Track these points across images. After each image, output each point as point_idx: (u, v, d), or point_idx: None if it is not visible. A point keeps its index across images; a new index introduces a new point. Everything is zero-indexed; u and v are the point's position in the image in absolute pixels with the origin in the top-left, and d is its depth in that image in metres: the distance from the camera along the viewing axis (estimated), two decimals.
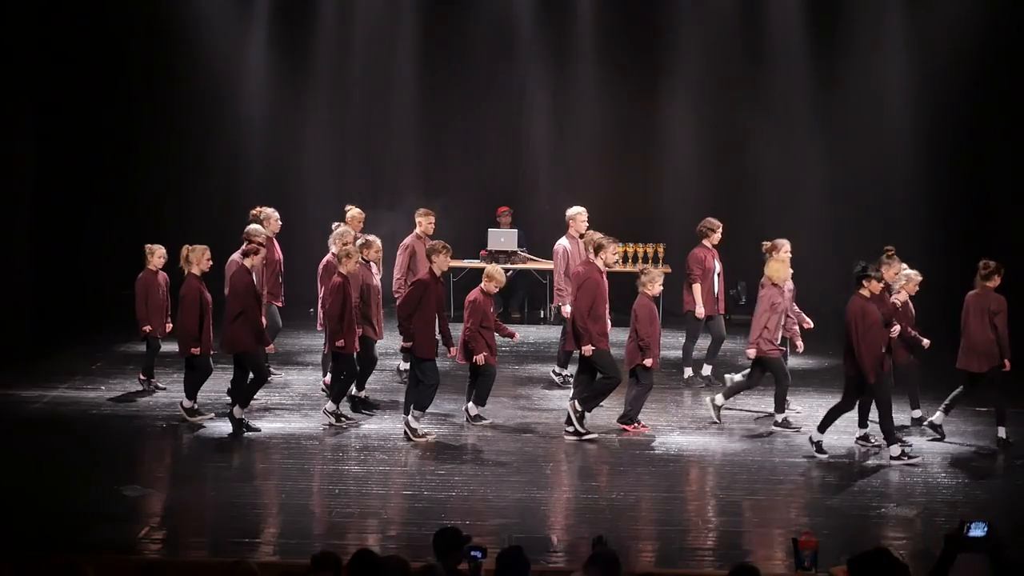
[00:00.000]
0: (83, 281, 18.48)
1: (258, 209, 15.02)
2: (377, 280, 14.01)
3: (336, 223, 14.66)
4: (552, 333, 18.21)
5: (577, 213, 15.41)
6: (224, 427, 13.18)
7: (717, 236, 15.52)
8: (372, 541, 9.99)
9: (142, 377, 14.57)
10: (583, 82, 19.73)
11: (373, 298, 13.82)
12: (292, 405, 14.15)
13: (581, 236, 14.71)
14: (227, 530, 10.48)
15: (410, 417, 12.81)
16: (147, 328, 14.32)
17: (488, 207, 19.45)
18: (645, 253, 18.96)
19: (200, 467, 12.12)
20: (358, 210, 15.56)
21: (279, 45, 19.56)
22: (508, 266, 19.01)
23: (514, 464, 12.31)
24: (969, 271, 13.24)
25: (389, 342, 15.17)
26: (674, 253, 19.22)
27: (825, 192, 19.32)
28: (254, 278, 13.39)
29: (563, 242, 15.31)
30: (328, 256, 14.29)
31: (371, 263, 13.94)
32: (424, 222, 15.38)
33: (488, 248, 19.03)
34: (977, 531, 6.80)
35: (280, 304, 14.98)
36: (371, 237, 14.17)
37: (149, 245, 14.55)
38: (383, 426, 13.37)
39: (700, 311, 15.20)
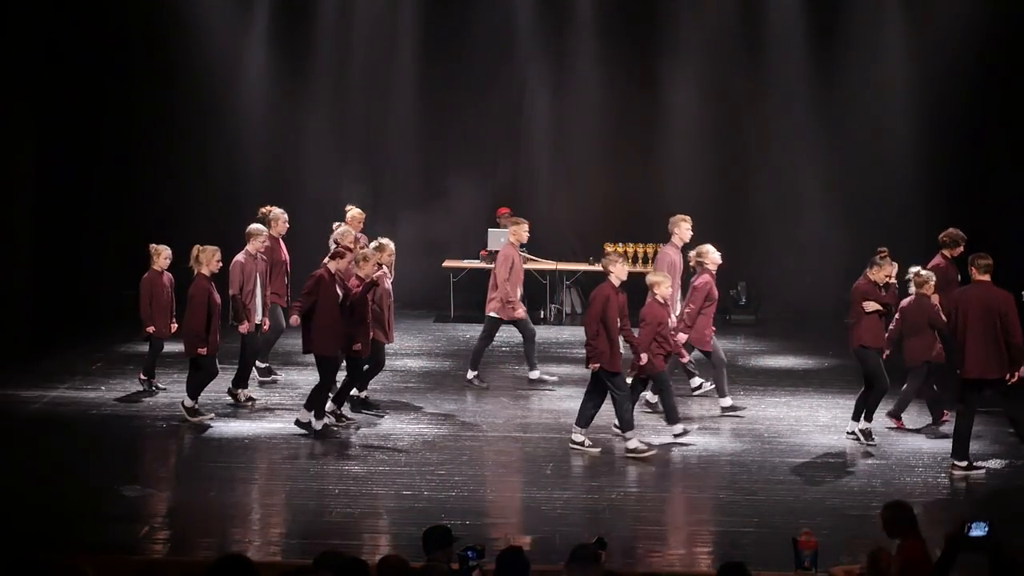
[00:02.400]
0: (83, 281, 18.47)
1: (267, 208, 14.99)
2: (389, 283, 13.96)
3: (336, 223, 14.66)
4: (552, 333, 18.21)
5: (681, 220, 14.74)
6: (224, 427, 13.18)
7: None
8: (372, 541, 9.99)
9: (142, 377, 14.56)
10: (583, 82, 19.71)
11: (385, 301, 13.77)
12: (292, 405, 14.13)
13: (685, 245, 14.31)
14: (227, 530, 10.48)
15: (627, 443, 12.50)
16: (150, 328, 14.30)
17: (488, 207, 19.43)
18: (645, 253, 18.96)
19: (200, 467, 12.12)
20: (358, 210, 15.56)
21: (279, 45, 19.54)
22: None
23: (514, 464, 12.31)
24: (968, 270, 13.23)
25: (399, 344, 15.18)
26: None
27: (825, 192, 19.31)
28: (337, 282, 13.19)
29: (667, 251, 14.71)
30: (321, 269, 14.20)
31: (383, 266, 13.86)
32: (518, 230, 15.05)
33: (488, 248, 19.02)
34: (978, 531, 6.80)
35: (285, 304, 14.94)
36: (384, 240, 14.12)
37: (155, 245, 14.52)
38: (383, 426, 13.37)
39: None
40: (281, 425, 13.34)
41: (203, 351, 13.35)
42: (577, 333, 18.56)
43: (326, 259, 13.33)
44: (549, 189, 19.94)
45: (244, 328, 13.84)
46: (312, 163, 19.82)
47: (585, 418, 12.67)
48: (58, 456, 12.27)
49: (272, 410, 13.94)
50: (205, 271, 13.49)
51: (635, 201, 19.80)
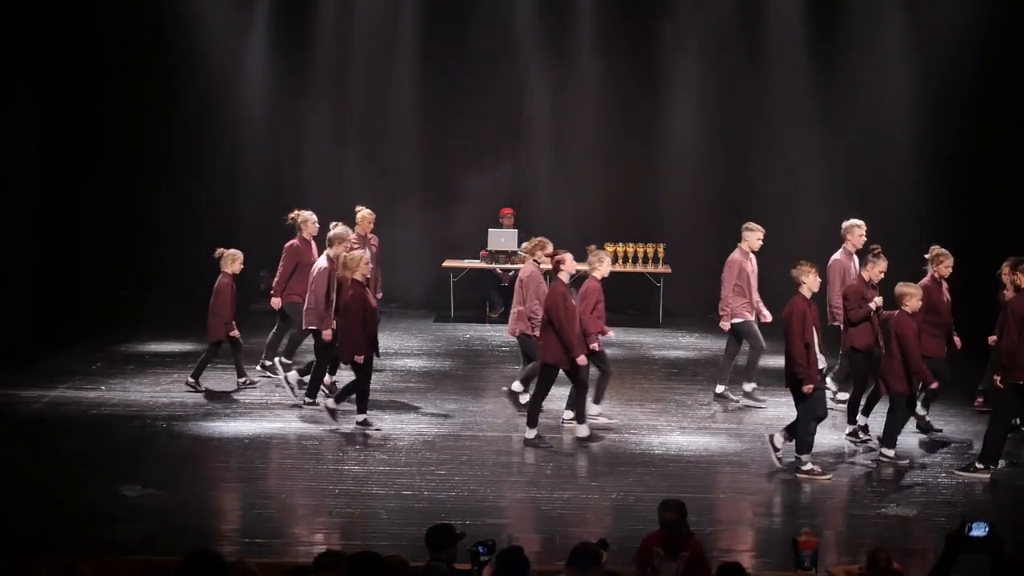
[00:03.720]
0: (82, 281, 18.46)
1: (295, 213, 14.96)
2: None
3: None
4: None
5: (854, 226, 14.30)
6: (224, 427, 13.18)
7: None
8: (372, 541, 9.98)
9: (190, 380, 14.58)
10: (583, 82, 19.71)
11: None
12: (292, 405, 14.13)
13: (858, 251, 14.02)
14: (227, 530, 10.48)
15: (802, 465, 12.02)
16: (234, 333, 14.47)
17: (488, 207, 19.44)
18: (645, 253, 18.97)
19: (200, 467, 12.12)
20: (368, 211, 15.56)
21: (279, 45, 19.55)
22: (509, 266, 19.03)
23: (514, 464, 12.31)
24: (969, 270, 13.24)
25: (400, 344, 15.17)
26: (674, 253, 19.24)
27: (825, 191, 19.30)
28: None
29: (837, 256, 14.28)
30: (322, 262, 14.21)
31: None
32: (752, 238, 14.52)
33: (488, 248, 19.03)
34: (978, 531, 6.79)
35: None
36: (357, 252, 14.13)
37: (228, 250, 14.63)
38: (383, 426, 13.35)
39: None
40: (281, 425, 13.35)
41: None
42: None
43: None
44: (549, 189, 19.94)
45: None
46: (312, 163, 19.82)
47: (806, 444, 12.01)
48: (58, 456, 12.26)
49: (271, 409, 13.93)
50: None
51: (635, 201, 19.81)
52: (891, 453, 12.31)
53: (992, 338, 13.30)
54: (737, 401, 14.33)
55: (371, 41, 19.67)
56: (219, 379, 14.89)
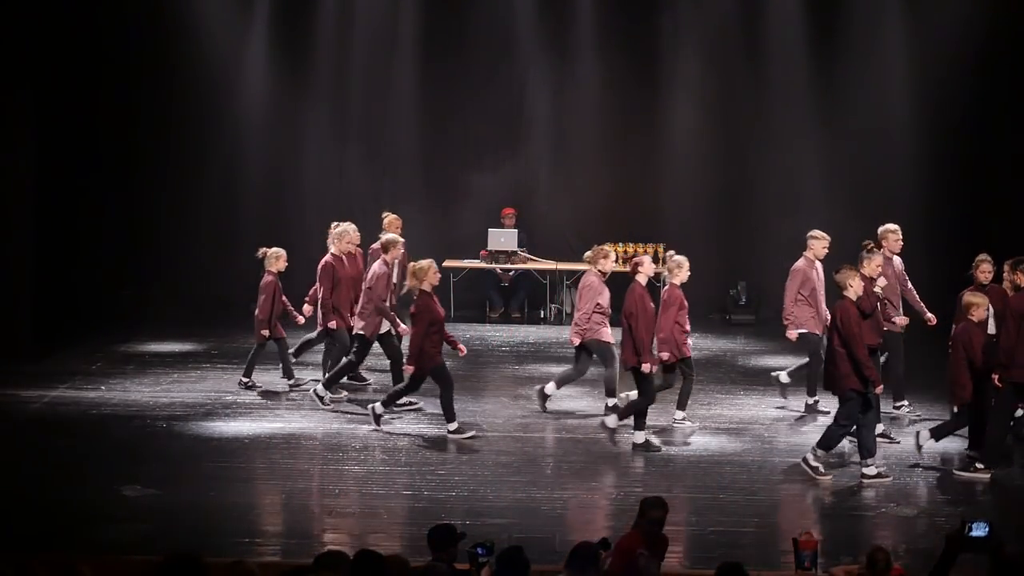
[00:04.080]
0: (82, 281, 18.46)
1: (335, 225, 14.66)
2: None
3: (335, 222, 14.65)
4: (552, 333, 18.19)
5: (889, 231, 13.97)
6: (224, 427, 13.18)
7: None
8: (372, 541, 9.98)
9: (244, 379, 14.59)
10: (583, 82, 19.70)
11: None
12: (292, 405, 14.14)
13: (896, 255, 13.82)
14: (227, 530, 10.48)
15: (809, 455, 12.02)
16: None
17: (488, 207, 19.43)
18: (645, 253, 18.94)
19: (200, 467, 12.11)
20: (394, 216, 15.45)
21: (279, 45, 19.53)
22: (509, 266, 19.04)
23: (514, 464, 12.31)
24: (968, 270, 13.21)
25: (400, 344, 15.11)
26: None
27: (825, 191, 19.30)
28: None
29: (800, 265, 14.10)
30: (327, 256, 14.28)
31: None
32: (817, 246, 14.09)
33: (488, 248, 19.03)
34: (979, 531, 6.80)
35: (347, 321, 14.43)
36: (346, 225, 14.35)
37: (272, 249, 14.60)
38: (383, 426, 13.35)
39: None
40: (281, 425, 13.34)
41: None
42: None
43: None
44: (549, 189, 19.93)
45: (403, 330, 13.86)
46: (312, 163, 19.82)
47: (868, 449, 11.93)
48: (58, 456, 12.26)
49: (271, 409, 13.93)
50: (273, 269, 14.48)
51: (635, 201, 19.80)
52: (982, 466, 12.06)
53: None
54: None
55: (371, 41, 19.66)
56: (219, 379, 14.89)
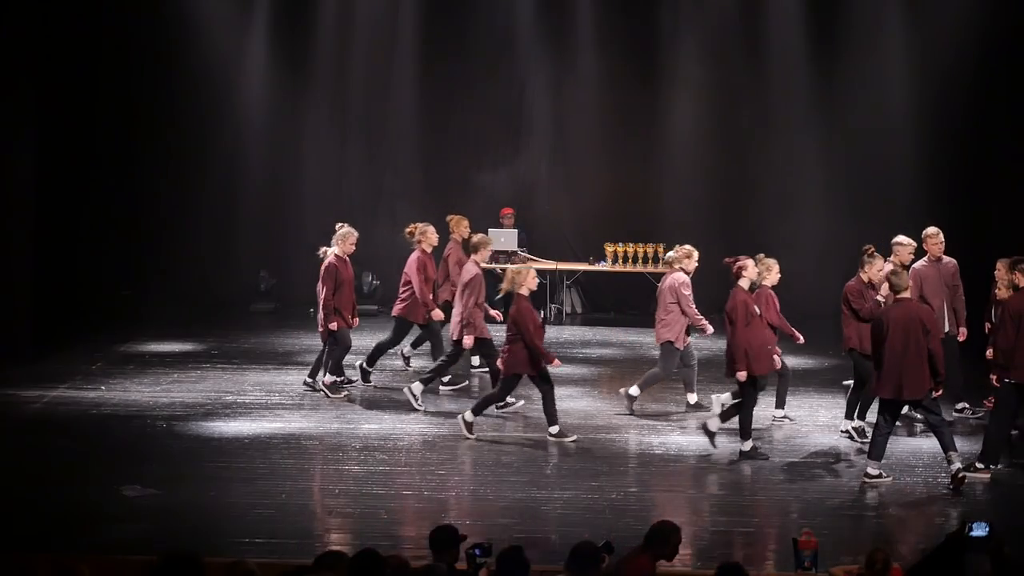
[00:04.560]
0: (82, 281, 18.47)
1: (413, 226, 14.84)
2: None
3: (340, 223, 14.63)
4: (552, 333, 18.15)
5: (929, 235, 13.93)
6: (224, 427, 13.19)
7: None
8: (372, 541, 9.97)
9: (339, 378, 14.52)
10: (583, 81, 19.72)
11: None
12: (292, 405, 14.15)
13: (938, 259, 13.77)
14: (227, 530, 10.47)
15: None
16: (333, 325, 14.19)
17: (488, 207, 19.43)
18: (645, 253, 18.95)
19: (200, 467, 12.10)
20: (459, 216, 15.45)
21: (279, 45, 19.55)
22: (509, 266, 19.01)
23: (514, 464, 12.30)
24: (970, 271, 13.22)
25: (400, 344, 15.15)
26: None
27: (825, 192, 19.31)
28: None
29: (917, 266, 13.77)
30: (330, 257, 14.28)
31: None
32: (903, 252, 13.71)
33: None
34: (979, 531, 6.81)
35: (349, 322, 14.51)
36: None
37: (345, 227, 14.46)
38: (383, 426, 13.37)
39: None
40: (281, 425, 13.34)
41: (333, 326, 13.98)
42: (577, 333, 18.63)
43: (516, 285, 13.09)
44: (549, 189, 19.93)
45: (437, 315, 14.30)
46: (312, 163, 19.82)
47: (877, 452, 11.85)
48: (58, 456, 12.26)
49: (271, 409, 13.93)
50: (340, 251, 14.20)
51: (635, 201, 19.80)
52: None
53: (988, 325, 13.32)
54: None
55: (371, 41, 19.68)
56: (218, 379, 14.89)
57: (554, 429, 12.95)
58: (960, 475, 11.55)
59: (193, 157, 19.41)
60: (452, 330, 13.99)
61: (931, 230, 13.97)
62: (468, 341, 13.80)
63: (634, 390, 14.00)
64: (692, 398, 14.29)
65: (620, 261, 18.83)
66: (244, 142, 19.67)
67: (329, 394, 14.22)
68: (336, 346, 14.33)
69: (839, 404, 14.07)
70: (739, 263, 12.68)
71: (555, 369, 13.29)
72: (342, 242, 14.29)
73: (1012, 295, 12.19)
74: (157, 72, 19.06)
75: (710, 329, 14.03)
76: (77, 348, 16.52)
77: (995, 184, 18.35)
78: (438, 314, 14.70)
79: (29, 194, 16.80)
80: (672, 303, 13.79)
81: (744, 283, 12.64)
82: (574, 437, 12.99)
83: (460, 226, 15.31)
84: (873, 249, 13.15)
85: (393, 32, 19.70)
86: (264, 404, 14.14)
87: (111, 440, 12.84)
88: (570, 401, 14.36)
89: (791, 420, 13.69)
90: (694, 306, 13.81)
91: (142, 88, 19.05)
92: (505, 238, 18.97)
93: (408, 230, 14.96)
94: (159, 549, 9.70)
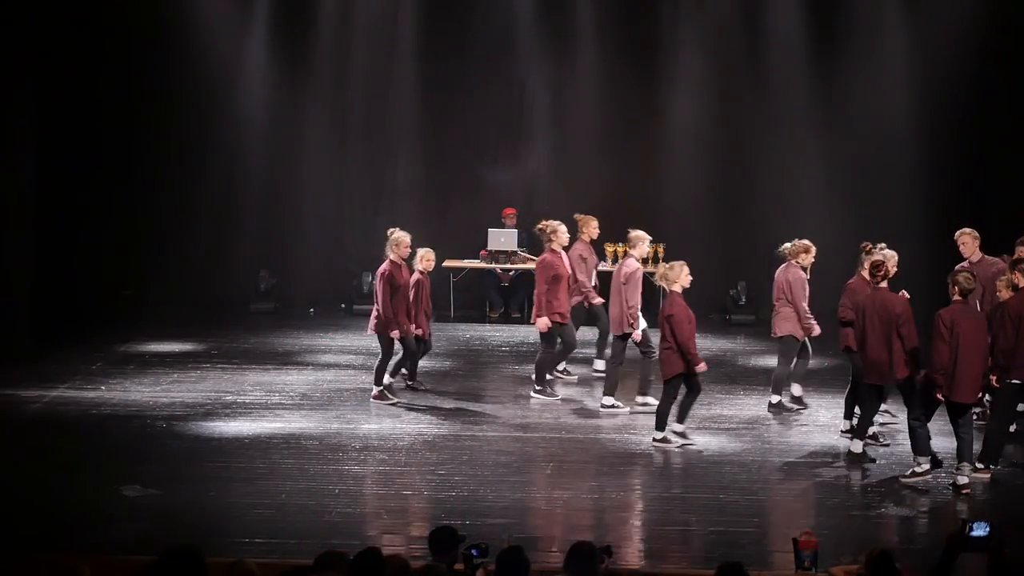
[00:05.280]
0: (83, 281, 18.46)
1: (545, 223, 14.88)
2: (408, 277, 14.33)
3: (390, 229, 14.56)
4: None
5: (961, 234, 14.01)
6: (224, 427, 13.19)
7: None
8: (372, 541, 9.97)
9: (410, 383, 14.56)
10: (583, 81, 19.70)
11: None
12: (292, 405, 14.14)
13: (976, 262, 13.68)
14: (227, 530, 10.48)
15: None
16: (395, 333, 14.11)
17: (488, 207, 19.43)
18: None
19: (200, 467, 12.11)
20: (587, 215, 15.58)
21: (279, 45, 19.54)
22: (509, 266, 19.02)
23: (514, 464, 12.31)
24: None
25: (399, 344, 15.14)
26: (674, 254, 19.18)
27: (825, 191, 19.30)
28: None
29: (964, 266, 13.68)
30: (385, 264, 14.18)
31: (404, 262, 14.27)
32: (969, 242, 13.78)
33: (488, 248, 19.01)
34: (979, 531, 6.81)
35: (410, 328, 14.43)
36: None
37: (396, 232, 14.43)
38: (383, 426, 13.37)
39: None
40: (281, 425, 13.34)
41: (396, 334, 13.96)
42: (577, 333, 18.58)
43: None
44: (549, 189, 19.93)
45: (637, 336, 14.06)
46: (312, 163, 19.81)
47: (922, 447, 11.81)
48: (58, 456, 12.26)
49: (271, 409, 13.94)
50: (394, 257, 14.16)
51: (635, 201, 19.79)
52: None
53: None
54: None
55: (371, 41, 19.67)
56: (218, 379, 14.88)
57: (658, 435, 12.86)
58: (912, 476, 11.72)
59: (193, 157, 19.40)
60: (615, 325, 13.97)
61: (967, 230, 13.99)
62: (637, 335, 13.86)
63: (786, 398, 14.01)
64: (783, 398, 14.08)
65: (620, 261, 18.78)
66: (244, 142, 19.66)
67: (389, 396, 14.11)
68: (391, 350, 14.22)
69: (838, 404, 14.06)
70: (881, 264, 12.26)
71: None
72: (396, 247, 14.20)
73: (1012, 295, 12.19)
74: (157, 72, 19.04)
75: (817, 330, 13.85)
76: (77, 348, 16.52)
77: (995, 184, 18.34)
78: (598, 300, 15.11)
79: (29, 194, 16.82)
80: (782, 298, 13.73)
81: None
82: (681, 441, 12.84)
83: (589, 226, 15.19)
84: (871, 246, 13.16)
85: (393, 32, 19.68)
86: (264, 404, 14.15)
87: (111, 440, 12.84)
88: (570, 401, 14.36)
89: (805, 407, 13.78)
90: (805, 303, 13.68)
91: (142, 88, 19.03)
92: (505, 238, 18.98)
93: (540, 226, 14.86)
94: (159, 549, 9.76)
